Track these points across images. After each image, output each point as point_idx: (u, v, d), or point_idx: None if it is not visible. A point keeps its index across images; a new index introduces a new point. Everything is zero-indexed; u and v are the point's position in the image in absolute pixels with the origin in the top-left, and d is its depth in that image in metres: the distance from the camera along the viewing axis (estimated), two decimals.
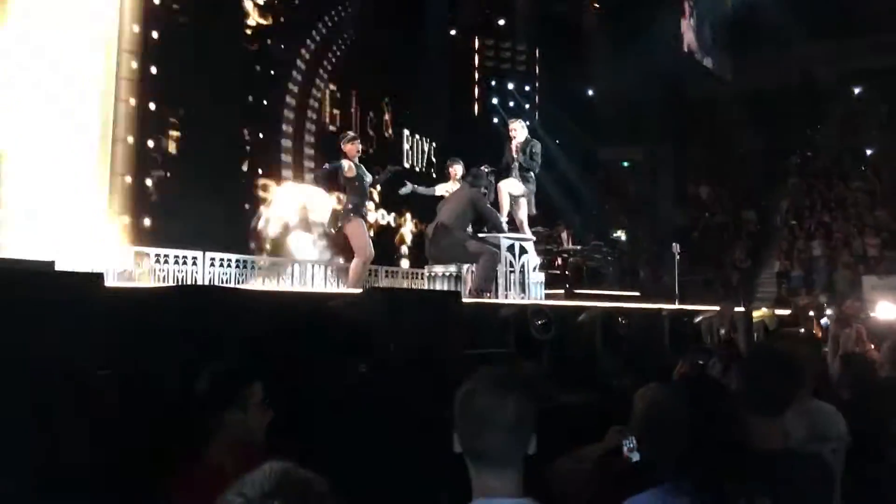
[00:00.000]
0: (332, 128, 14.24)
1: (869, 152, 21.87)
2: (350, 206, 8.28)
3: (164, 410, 2.82)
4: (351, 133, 8.90)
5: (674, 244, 13.34)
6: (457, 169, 9.12)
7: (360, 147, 8.37)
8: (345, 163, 8.13)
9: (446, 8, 16.48)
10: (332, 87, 14.57)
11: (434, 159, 16.41)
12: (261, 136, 12.98)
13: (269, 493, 1.32)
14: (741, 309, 9.53)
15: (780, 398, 2.58)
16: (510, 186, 8.68)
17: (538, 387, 5.11)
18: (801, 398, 3.12)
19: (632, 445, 3.03)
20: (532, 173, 8.83)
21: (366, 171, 8.45)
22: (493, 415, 1.86)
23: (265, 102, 13.15)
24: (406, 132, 16.31)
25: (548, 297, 9.16)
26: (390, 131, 15.94)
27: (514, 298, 8.14)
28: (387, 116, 15.93)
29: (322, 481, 1.38)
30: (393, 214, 15.35)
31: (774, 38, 18.41)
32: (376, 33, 14.99)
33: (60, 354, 2.50)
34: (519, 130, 8.81)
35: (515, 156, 8.66)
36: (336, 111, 14.69)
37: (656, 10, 16.84)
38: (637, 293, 14.12)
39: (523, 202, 8.82)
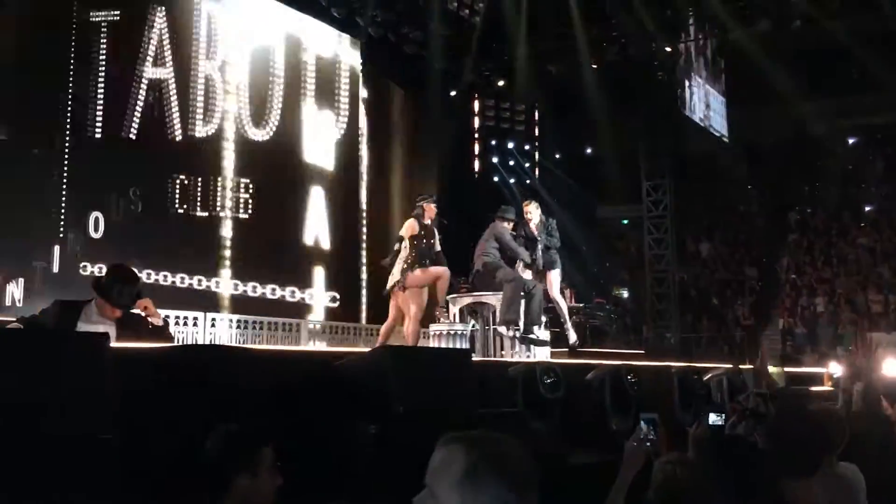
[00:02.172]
0: None
1: (868, 209, 21.98)
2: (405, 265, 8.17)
3: (171, 473, 2.73)
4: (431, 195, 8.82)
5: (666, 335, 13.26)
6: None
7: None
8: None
9: (446, 69, 16.71)
10: None
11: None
12: None
13: None
14: (749, 366, 9.43)
15: (811, 459, 2.50)
16: (556, 276, 8.96)
17: (549, 446, 5.02)
18: (829, 461, 3.02)
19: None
20: (555, 250, 8.97)
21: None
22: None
23: None
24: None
25: (552, 355, 9.09)
26: None
27: (520, 356, 8.07)
28: None
29: None
30: None
31: (772, 95, 18.63)
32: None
33: (64, 418, 2.43)
34: (534, 212, 8.92)
35: (539, 237, 8.76)
36: None
37: (655, 70, 17.07)
38: (641, 351, 14.02)
39: (556, 278, 9.03)
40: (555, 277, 8.96)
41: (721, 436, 3.47)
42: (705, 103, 19.05)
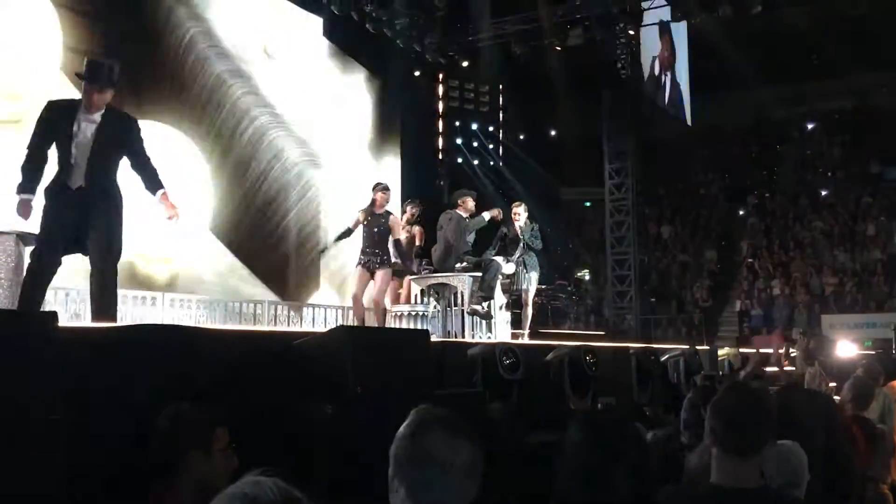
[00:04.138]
0: None
1: (824, 193, 22.37)
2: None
3: (123, 455, 2.70)
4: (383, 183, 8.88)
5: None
6: (414, 211, 9.62)
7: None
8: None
9: (410, 48, 16.61)
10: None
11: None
12: None
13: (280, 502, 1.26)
14: (706, 347, 9.58)
15: (754, 439, 2.53)
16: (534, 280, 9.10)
17: (507, 427, 5.06)
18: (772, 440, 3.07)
19: None
20: (535, 253, 9.09)
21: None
22: (446, 461, 1.75)
23: None
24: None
25: (513, 336, 9.15)
26: None
27: (480, 338, 8.10)
28: None
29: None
30: None
31: (732, 80, 18.82)
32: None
33: (10, 397, 2.39)
34: (522, 214, 9.08)
35: (522, 236, 8.89)
36: None
37: (618, 53, 17.12)
38: (601, 332, 14.18)
39: (534, 282, 9.11)
40: (533, 281, 9.07)
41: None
42: (669, 84, 19.15)
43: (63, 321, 2.92)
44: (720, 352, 8.91)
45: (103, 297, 4.79)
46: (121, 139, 5.00)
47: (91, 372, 2.77)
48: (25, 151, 4.96)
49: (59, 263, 4.84)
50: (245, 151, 13.44)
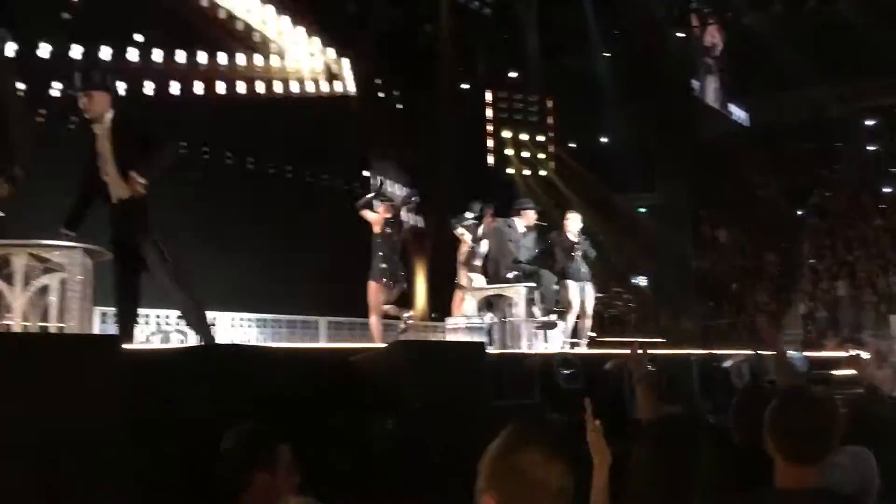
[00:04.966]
0: None
1: (887, 190, 21.75)
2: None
3: (189, 474, 2.74)
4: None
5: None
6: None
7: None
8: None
9: (458, 62, 16.68)
10: None
11: None
12: None
13: None
14: (771, 352, 9.35)
15: (816, 448, 2.44)
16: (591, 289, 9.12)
17: (568, 439, 5.01)
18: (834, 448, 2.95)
19: None
20: (587, 260, 9.06)
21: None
22: (542, 481, 1.71)
23: None
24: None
25: (571, 346, 9.08)
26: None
27: (537, 348, 8.06)
28: None
29: None
30: None
31: (788, 78, 18.46)
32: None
33: (73, 424, 2.44)
34: (573, 223, 9.05)
35: (576, 241, 8.86)
36: None
37: (668, 57, 16.96)
38: (661, 339, 13.94)
39: (592, 291, 9.09)
40: (590, 290, 9.00)
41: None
42: (720, 86, 18.90)
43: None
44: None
45: (194, 323, 4.84)
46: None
47: (156, 393, 2.83)
48: None
49: (131, 282, 4.73)
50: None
